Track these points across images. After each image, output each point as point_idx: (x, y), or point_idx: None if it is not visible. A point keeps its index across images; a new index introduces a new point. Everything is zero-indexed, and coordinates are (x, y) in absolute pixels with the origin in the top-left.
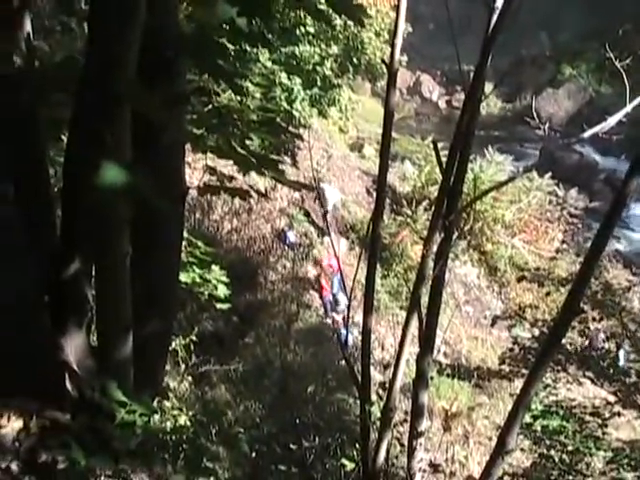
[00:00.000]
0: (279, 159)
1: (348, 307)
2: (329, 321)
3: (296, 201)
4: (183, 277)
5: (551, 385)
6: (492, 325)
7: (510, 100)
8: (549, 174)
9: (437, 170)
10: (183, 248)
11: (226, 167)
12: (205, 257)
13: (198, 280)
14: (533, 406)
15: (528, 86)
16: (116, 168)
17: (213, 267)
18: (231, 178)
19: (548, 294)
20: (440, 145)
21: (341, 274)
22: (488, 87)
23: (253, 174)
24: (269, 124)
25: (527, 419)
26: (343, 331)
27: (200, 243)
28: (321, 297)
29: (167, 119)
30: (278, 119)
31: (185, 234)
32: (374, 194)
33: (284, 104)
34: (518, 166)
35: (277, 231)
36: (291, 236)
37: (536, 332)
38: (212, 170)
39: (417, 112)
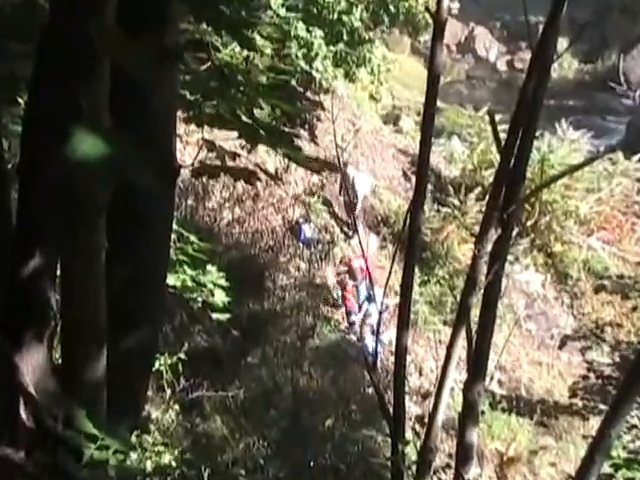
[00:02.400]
0: (294, 132)
1: (378, 321)
2: (354, 338)
3: (314, 186)
4: (171, 279)
5: (638, 427)
6: (561, 347)
7: (590, 60)
8: (639, 155)
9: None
10: (172, 243)
11: (227, 142)
12: (199, 255)
13: (190, 284)
14: (614, 452)
15: (614, 42)
16: (92, 137)
17: (209, 268)
18: (234, 156)
19: (635, 309)
20: (498, 117)
21: (370, 279)
22: (562, 44)
23: (261, 151)
24: (282, 88)
25: (606, 469)
26: (371, 350)
27: (193, 237)
28: (344, 307)
29: (155, 78)
30: (293, 82)
31: (175, 225)
32: (413, 179)
33: (301, 63)
34: (598, 145)
35: (290, 224)
36: (307, 230)
37: (618, 357)
38: (210, 145)
39: (469, 75)
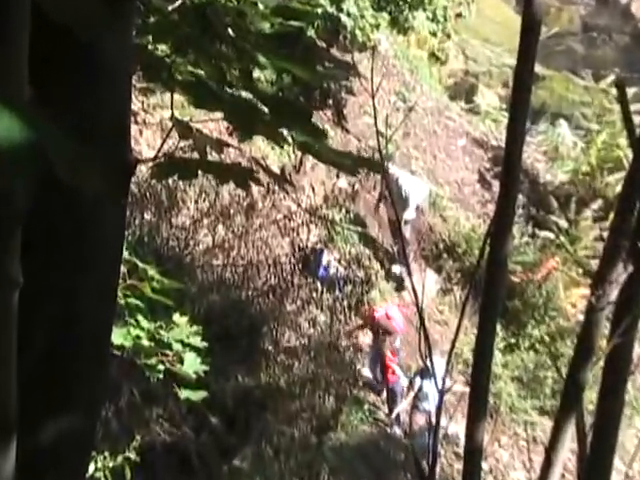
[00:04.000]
0: (312, 110)
1: (438, 407)
2: (398, 432)
3: (341, 195)
4: (117, 336)
5: None
6: None
7: None
8: None
9: (623, 140)
10: (120, 279)
11: (209, 124)
12: (161, 299)
13: (146, 343)
14: None
15: None
16: (5, 115)
17: (176, 318)
18: (219, 145)
19: None
20: (631, 92)
21: (427, 340)
22: None
23: (260, 140)
24: (294, 42)
25: None
26: (426, 452)
27: (152, 271)
28: (384, 384)
29: (101, 25)
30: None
31: (125, 252)
32: (495, 186)
33: (324, 3)
34: None
35: (302, 252)
36: (329, 263)
37: None
38: (182, 129)
39: (587, 24)
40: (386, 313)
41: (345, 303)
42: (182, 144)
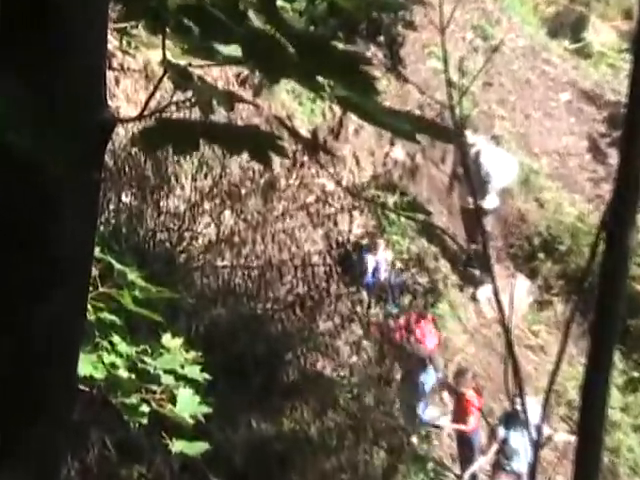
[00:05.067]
0: (359, 52)
1: (533, 465)
2: None
3: (396, 170)
4: (85, 365)
5: None
6: None
7: None
8: None
9: None
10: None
11: (212, 70)
12: (146, 312)
13: (124, 374)
14: None
15: None
16: None
17: (166, 340)
18: (228, 99)
19: None
20: None
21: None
22: None
23: (282, 91)
24: None
25: None
26: None
27: (134, 275)
28: (456, 434)
29: None
30: None
31: (97, 250)
32: (612, 156)
33: None
34: None
35: (342, 249)
36: (378, 264)
37: None
38: (178, 75)
39: None
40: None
41: (401, 320)
42: (177, 98)
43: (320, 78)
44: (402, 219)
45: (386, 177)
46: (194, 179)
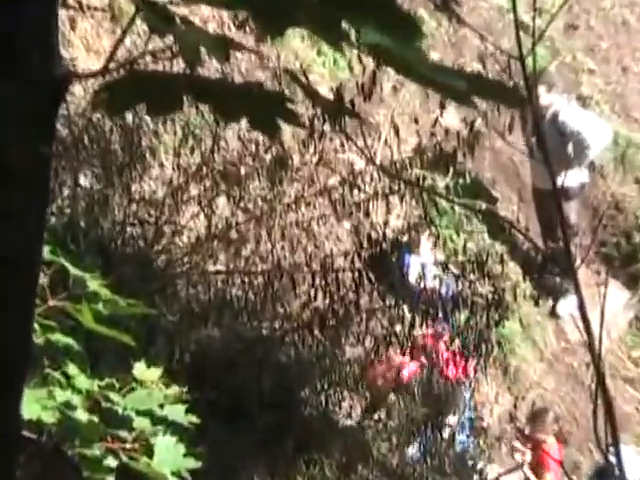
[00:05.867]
0: None
1: None
2: None
3: (449, 140)
4: (30, 404)
5: None
6: None
7: None
8: None
9: None
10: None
11: (201, 8)
12: (112, 333)
13: (83, 416)
14: None
15: None
16: None
17: (140, 370)
18: (223, 47)
19: None
20: None
21: (611, 416)
22: None
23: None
24: None
25: None
26: None
27: (96, 283)
28: None
29: None
30: None
31: (46, 251)
32: None
33: None
34: None
35: (376, 248)
36: (423, 268)
37: None
38: (155, 16)
39: None
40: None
41: (455, 345)
42: (153, 46)
43: (344, 24)
44: (456, 208)
45: (435, 152)
46: (177, 154)
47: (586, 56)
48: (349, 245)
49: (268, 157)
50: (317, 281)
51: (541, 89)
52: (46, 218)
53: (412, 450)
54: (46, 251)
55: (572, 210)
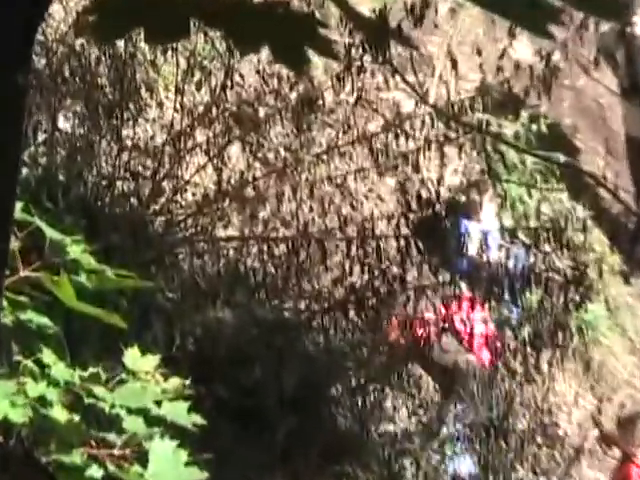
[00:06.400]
0: None
1: None
2: None
3: (519, 76)
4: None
5: None
6: None
7: None
8: None
9: None
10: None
11: None
12: (98, 313)
13: (60, 415)
14: None
15: None
16: None
17: (132, 358)
18: None
19: None
20: None
21: None
22: None
23: None
24: None
25: None
26: None
27: (77, 249)
28: None
29: None
30: None
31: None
32: None
33: None
34: None
35: (425, 210)
36: (485, 235)
37: None
38: None
39: None
40: None
41: (525, 333)
42: None
43: None
44: (528, 161)
45: (502, 91)
46: (180, 91)
47: None
48: (393, 206)
49: (293, 96)
50: (353, 251)
51: (636, 17)
52: (19, 169)
53: (469, 463)
54: (17, 209)
55: None
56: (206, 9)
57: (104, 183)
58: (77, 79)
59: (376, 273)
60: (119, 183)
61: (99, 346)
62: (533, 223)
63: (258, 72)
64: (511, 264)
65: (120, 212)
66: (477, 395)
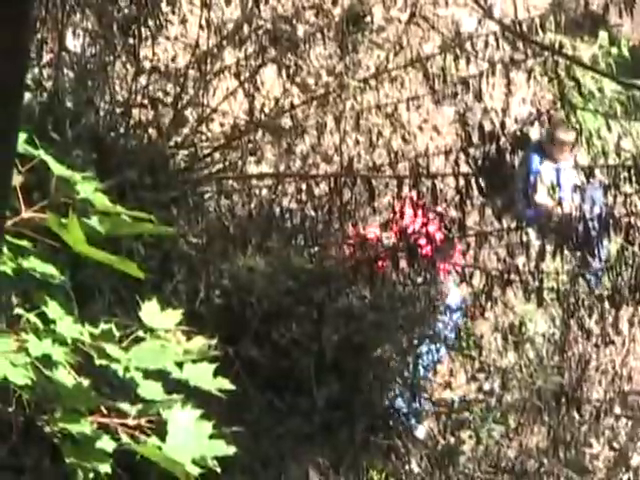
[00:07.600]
0: None
1: None
2: None
3: None
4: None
5: None
6: None
7: None
8: None
9: None
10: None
11: None
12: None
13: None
14: None
15: None
16: None
17: (150, 312)
18: None
19: None
20: None
21: None
22: None
23: None
24: None
25: None
26: None
27: (88, 187)
28: None
29: None
30: None
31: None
32: None
33: None
34: None
35: (489, 144)
36: (558, 175)
37: None
38: None
39: None
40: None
41: (603, 287)
42: None
43: None
44: (607, 89)
45: (577, 7)
46: (206, 5)
47: None
48: (451, 140)
49: (337, 11)
50: (405, 191)
51: None
52: (22, 95)
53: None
54: (20, 141)
55: None
56: None
57: (118, 111)
58: None
59: (431, 217)
60: (135, 111)
61: (112, 299)
62: (613, 160)
63: None
64: (587, 207)
65: (137, 145)
66: (546, 358)
